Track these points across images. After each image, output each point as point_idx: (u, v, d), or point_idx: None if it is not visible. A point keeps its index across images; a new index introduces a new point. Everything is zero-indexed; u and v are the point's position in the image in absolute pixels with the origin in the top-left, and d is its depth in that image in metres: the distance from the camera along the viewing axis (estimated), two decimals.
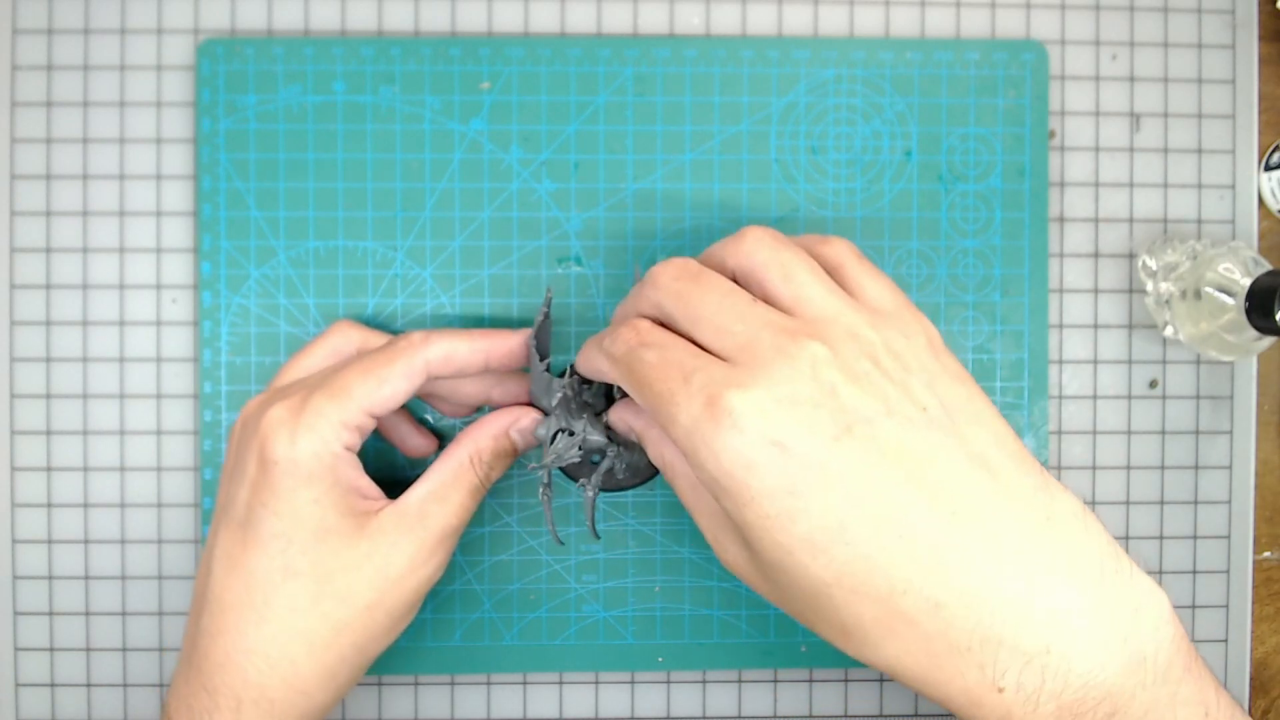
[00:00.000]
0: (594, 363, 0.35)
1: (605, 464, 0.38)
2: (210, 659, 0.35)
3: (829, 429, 0.29)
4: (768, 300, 0.32)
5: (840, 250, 0.34)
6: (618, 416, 0.37)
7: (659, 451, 0.35)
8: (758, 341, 0.30)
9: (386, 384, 0.36)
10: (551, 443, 0.37)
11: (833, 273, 0.33)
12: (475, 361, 0.37)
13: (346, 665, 0.35)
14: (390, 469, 0.43)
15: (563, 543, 0.40)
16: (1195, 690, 0.30)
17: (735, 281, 0.33)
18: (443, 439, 0.42)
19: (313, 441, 0.34)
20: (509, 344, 0.38)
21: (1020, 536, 0.29)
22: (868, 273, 0.33)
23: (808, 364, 0.29)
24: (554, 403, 0.38)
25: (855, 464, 0.28)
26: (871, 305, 0.32)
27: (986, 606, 0.28)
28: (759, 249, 0.33)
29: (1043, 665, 0.28)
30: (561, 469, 0.39)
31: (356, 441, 0.36)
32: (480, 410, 0.41)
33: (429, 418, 0.42)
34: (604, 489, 0.39)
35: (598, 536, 0.38)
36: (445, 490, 0.37)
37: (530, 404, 0.39)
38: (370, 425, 0.36)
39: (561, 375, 0.38)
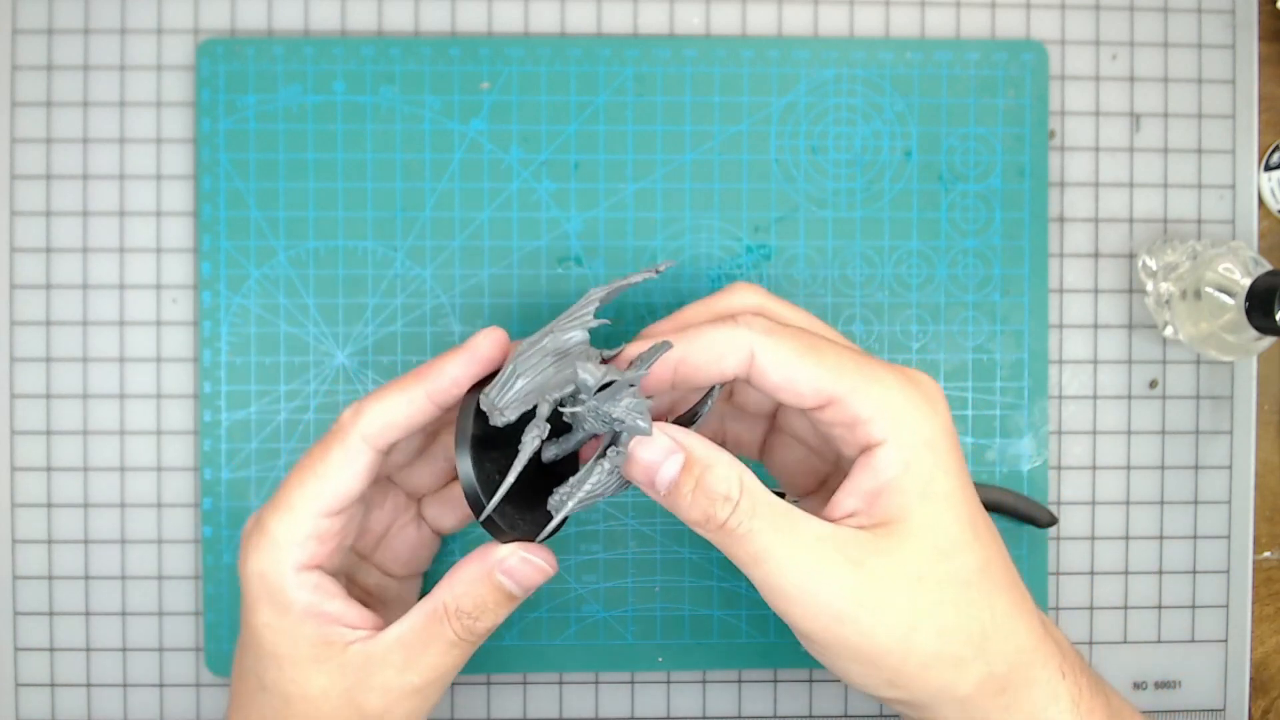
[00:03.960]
0: (725, 337, 0.31)
1: (613, 463, 0.31)
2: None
3: None
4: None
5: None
6: (689, 442, 0.31)
7: (733, 474, 0.30)
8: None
9: (328, 480, 0.32)
10: (599, 391, 0.30)
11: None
12: (421, 410, 0.33)
13: None
14: None
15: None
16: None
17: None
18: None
19: (261, 562, 0.33)
20: (447, 370, 0.33)
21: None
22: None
23: None
24: (593, 375, 0.30)
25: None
26: None
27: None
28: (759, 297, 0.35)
29: None
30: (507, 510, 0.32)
31: (319, 551, 0.33)
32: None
33: None
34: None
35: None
36: (416, 640, 0.33)
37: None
38: (335, 525, 0.33)
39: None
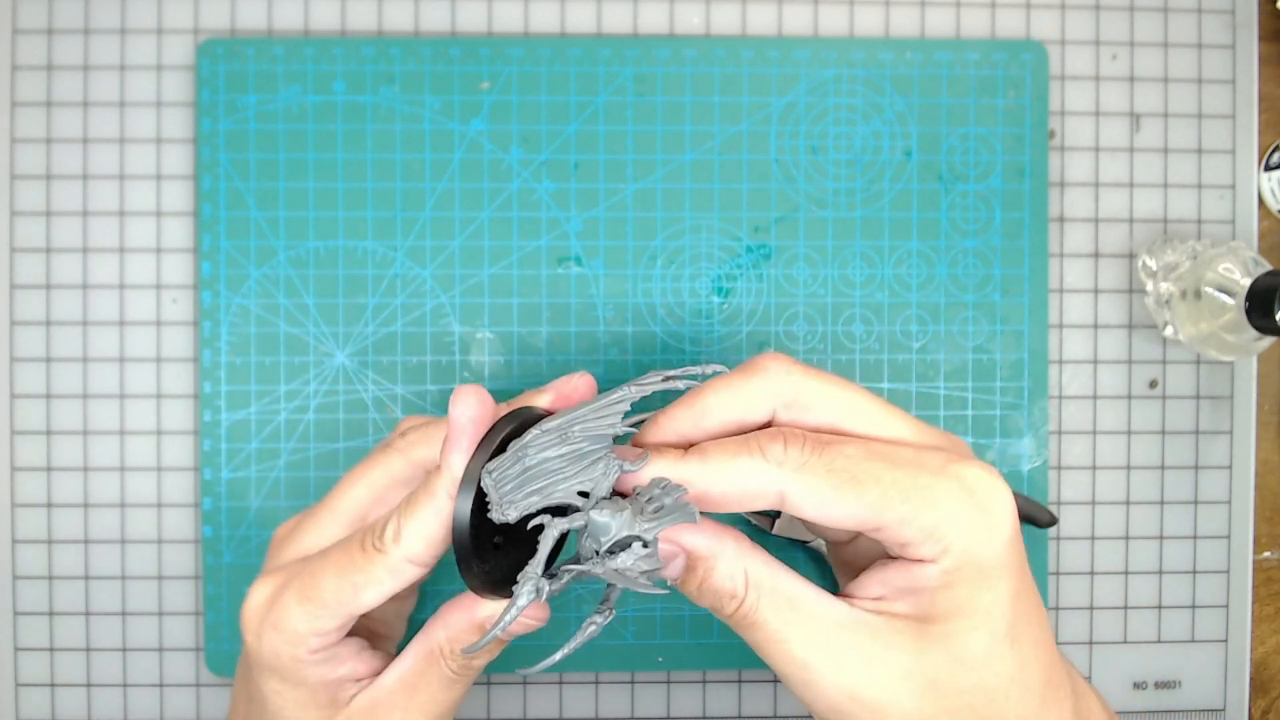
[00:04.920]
0: (753, 478, 0.29)
1: (616, 594, 0.30)
2: None
3: None
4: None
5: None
6: (690, 539, 0.29)
7: (737, 569, 0.29)
8: (941, 433, 0.31)
9: (367, 590, 0.31)
10: (612, 554, 0.28)
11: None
12: (451, 512, 0.31)
13: None
14: None
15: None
16: None
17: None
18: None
19: (275, 642, 0.32)
20: (453, 465, 0.30)
21: None
22: None
23: None
24: (604, 493, 0.29)
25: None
26: None
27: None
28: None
29: None
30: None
31: (337, 637, 0.32)
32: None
33: None
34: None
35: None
36: (415, 679, 0.33)
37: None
38: (355, 618, 0.32)
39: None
